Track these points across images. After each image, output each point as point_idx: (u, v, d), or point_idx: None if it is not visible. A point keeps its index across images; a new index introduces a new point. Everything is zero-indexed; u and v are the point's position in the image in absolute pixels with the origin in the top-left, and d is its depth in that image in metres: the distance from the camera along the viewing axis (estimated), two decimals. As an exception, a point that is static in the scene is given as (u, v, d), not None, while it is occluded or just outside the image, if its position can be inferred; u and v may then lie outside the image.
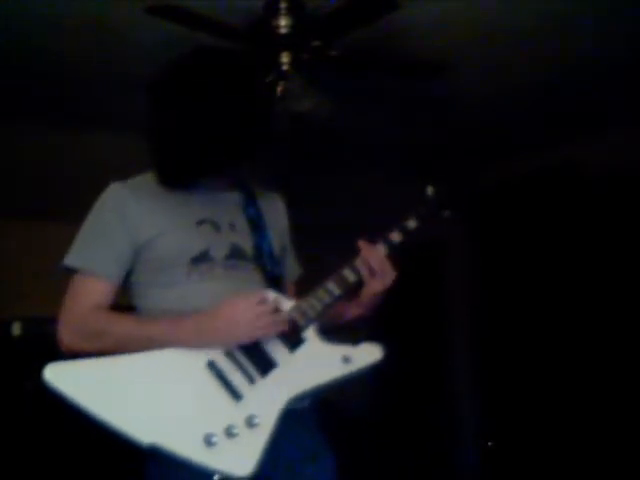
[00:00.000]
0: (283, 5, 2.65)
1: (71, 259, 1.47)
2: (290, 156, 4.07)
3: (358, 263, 1.52)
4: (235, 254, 1.49)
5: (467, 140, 4.32)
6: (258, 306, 1.37)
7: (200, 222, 1.49)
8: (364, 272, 1.51)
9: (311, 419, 1.52)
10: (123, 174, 1.57)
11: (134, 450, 1.29)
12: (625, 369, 3.81)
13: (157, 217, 1.46)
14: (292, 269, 1.70)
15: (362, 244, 1.52)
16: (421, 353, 5.00)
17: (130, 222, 1.45)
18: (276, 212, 1.67)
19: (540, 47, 3.15)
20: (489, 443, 4.48)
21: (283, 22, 2.67)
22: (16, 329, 3.98)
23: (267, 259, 1.53)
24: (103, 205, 1.48)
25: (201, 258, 1.45)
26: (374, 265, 1.51)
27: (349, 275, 1.51)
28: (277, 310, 1.41)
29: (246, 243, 1.52)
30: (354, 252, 1.54)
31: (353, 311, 1.60)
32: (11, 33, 2.91)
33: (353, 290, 1.53)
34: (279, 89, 2.77)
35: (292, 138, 3.15)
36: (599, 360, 3.89)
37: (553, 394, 4.10)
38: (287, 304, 1.46)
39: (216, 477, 1.29)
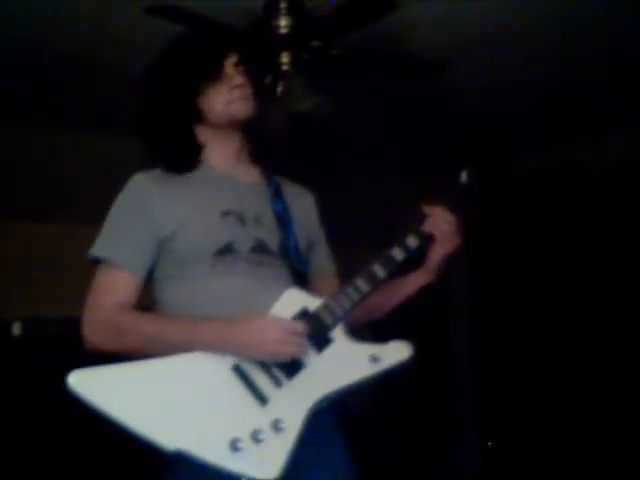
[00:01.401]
0: (283, 5, 2.65)
1: (99, 249, 1.44)
2: (290, 156, 4.07)
3: (425, 227, 1.53)
4: (260, 249, 1.46)
5: (467, 140, 4.32)
6: (289, 333, 1.35)
7: (225, 213, 1.46)
8: (435, 233, 1.52)
9: (330, 419, 1.50)
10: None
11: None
12: (625, 369, 3.81)
13: (181, 207, 1.44)
14: (324, 264, 1.66)
15: (428, 209, 1.54)
16: (421, 353, 4.99)
17: (154, 213, 1.43)
18: (304, 206, 1.64)
19: (540, 47, 3.16)
20: (489, 443, 4.48)
21: (283, 22, 2.67)
22: (16, 329, 3.98)
23: (293, 255, 1.50)
24: (127, 196, 1.47)
25: (225, 250, 1.42)
26: (444, 226, 1.52)
27: (379, 270, 1.48)
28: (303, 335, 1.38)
29: (272, 238, 1.50)
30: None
31: (421, 280, 1.59)
32: (11, 33, 2.92)
33: (382, 285, 1.50)
34: (279, 89, 2.77)
35: (292, 138, 3.14)
36: (600, 360, 3.89)
37: (554, 394, 4.10)
38: (314, 302, 1.43)
39: None
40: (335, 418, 1.52)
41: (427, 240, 1.53)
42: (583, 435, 3.88)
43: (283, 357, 1.35)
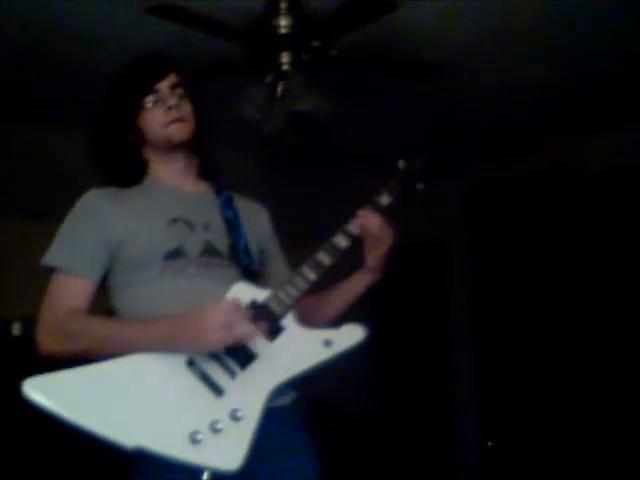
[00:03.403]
0: (283, 5, 2.66)
1: (49, 259, 1.49)
2: (289, 156, 4.07)
3: (350, 229, 1.54)
4: (209, 251, 1.50)
5: (467, 140, 4.32)
6: (230, 313, 1.33)
7: (173, 221, 1.50)
8: (366, 234, 1.53)
9: (296, 418, 1.52)
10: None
11: (121, 457, 1.29)
12: (624, 370, 3.81)
13: (130, 217, 1.49)
14: (280, 277, 1.65)
15: (362, 212, 1.56)
16: (421, 352, 5.00)
17: (104, 223, 1.47)
18: (256, 217, 1.69)
19: (541, 47, 3.16)
20: (489, 443, 4.48)
21: (283, 22, 2.67)
22: (16, 329, 3.98)
23: (242, 254, 1.53)
24: (79, 208, 1.52)
25: (174, 255, 1.46)
26: (374, 229, 1.53)
27: (324, 258, 1.50)
28: (256, 318, 1.39)
29: (221, 241, 1.53)
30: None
31: (365, 280, 1.60)
32: (12, 34, 2.92)
33: (328, 272, 1.51)
34: (279, 89, 2.77)
35: (292, 138, 3.15)
36: (599, 360, 3.89)
37: (553, 394, 4.10)
38: (262, 294, 1.45)
39: (205, 474, 1.30)
40: (301, 417, 1.54)
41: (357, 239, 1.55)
42: (583, 435, 3.88)
43: (232, 338, 1.34)
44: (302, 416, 1.54)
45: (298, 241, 1.73)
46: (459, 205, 4.83)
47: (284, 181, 4.53)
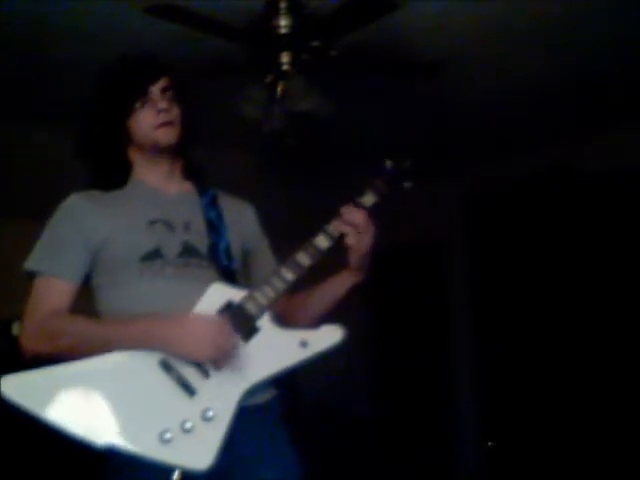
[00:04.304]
0: (283, 5, 2.65)
1: (31, 263, 1.52)
2: (289, 155, 4.07)
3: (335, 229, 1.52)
4: (187, 252, 1.51)
5: (467, 140, 4.32)
6: (220, 334, 1.37)
7: (152, 222, 1.51)
8: (348, 231, 1.51)
9: (272, 415, 1.52)
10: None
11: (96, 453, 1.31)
12: (624, 369, 3.81)
13: (110, 219, 1.50)
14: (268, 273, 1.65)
15: (344, 209, 1.54)
16: (422, 353, 5.00)
17: (85, 225, 1.49)
18: (241, 216, 1.68)
19: (540, 47, 3.16)
20: (489, 443, 4.48)
21: (283, 22, 2.67)
22: (16, 329, 3.98)
23: (222, 254, 1.53)
24: (60, 213, 1.54)
25: (151, 256, 1.47)
26: (356, 224, 1.51)
27: (303, 259, 1.49)
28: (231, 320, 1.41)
29: (201, 241, 1.53)
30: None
31: (349, 280, 1.58)
32: (12, 35, 2.92)
33: (307, 274, 1.50)
34: (279, 89, 2.76)
35: (292, 138, 3.15)
36: (599, 360, 3.89)
37: (553, 393, 4.10)
38: (239, 295, 1.45)
39: (176, 473, 1.30)
40: (280, 415, 1.54)
41: (340, 238, 1.53)
42: (583, 434, 3.88)
43: (207, 359, 1.37)
44: (279, 413, 1.54)
45: (297, 240, 1.71)
46: (459, 205, 4.83)
47: (284, 180, 4.52)
